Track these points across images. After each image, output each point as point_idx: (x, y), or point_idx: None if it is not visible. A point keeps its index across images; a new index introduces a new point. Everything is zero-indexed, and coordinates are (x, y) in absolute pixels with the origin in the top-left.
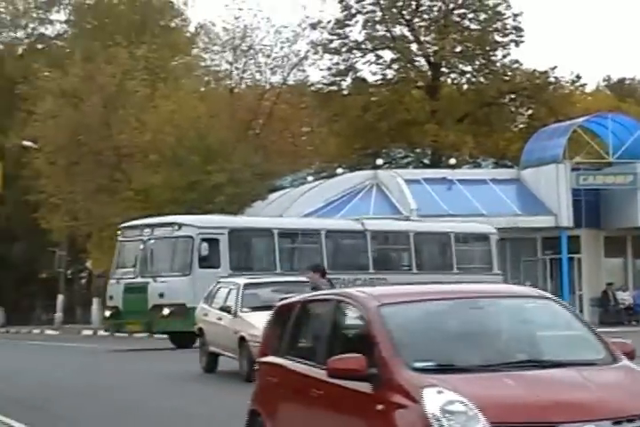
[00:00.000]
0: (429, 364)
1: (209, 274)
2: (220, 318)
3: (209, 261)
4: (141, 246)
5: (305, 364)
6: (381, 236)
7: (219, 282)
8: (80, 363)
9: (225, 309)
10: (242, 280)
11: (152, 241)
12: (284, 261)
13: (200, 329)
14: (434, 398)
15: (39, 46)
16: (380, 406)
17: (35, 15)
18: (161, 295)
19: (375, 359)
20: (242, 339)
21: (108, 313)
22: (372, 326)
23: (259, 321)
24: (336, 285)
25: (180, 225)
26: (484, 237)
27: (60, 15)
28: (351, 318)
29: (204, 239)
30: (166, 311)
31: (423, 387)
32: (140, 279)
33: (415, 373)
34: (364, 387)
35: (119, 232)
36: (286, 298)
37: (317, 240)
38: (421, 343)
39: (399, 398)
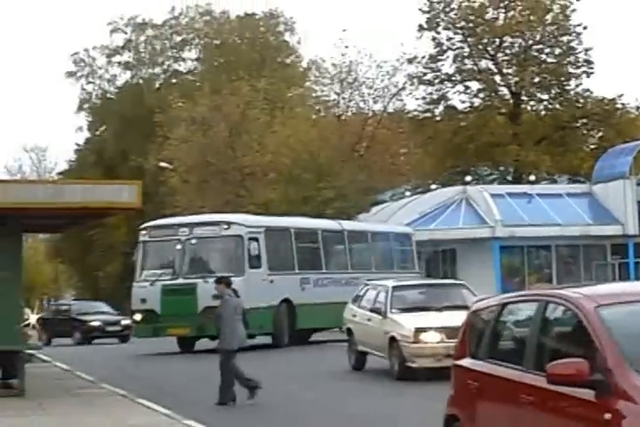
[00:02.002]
0: None
1: (256, 274)
2: (369, 319)
3: (255, 261)
4: (179, 246)
5: (511, 368)
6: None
7: (366, 284)
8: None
9: (375, 310)
10: (390, 283)
11: (194, 240)
12: (302, 261)
13: (348, 329)
14: None
15: (173, 81)
16: (607, 415)
17: (170, 54)
18: (216, 297)
19: (598, 365)
20: (392, 339)
21: (138, 317)
22: (591, 329)
23: (408, 322)
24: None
25: (229, 224)
26: (408, 237)
27: (191, 54)
28: (563, 319)
29: (250, 238)
30: None
31: None
32: (182, 280)
33: None
34: (586, 394)
35: (144, 232)
36: (482, 299)
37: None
38: None
39: (630, 406)
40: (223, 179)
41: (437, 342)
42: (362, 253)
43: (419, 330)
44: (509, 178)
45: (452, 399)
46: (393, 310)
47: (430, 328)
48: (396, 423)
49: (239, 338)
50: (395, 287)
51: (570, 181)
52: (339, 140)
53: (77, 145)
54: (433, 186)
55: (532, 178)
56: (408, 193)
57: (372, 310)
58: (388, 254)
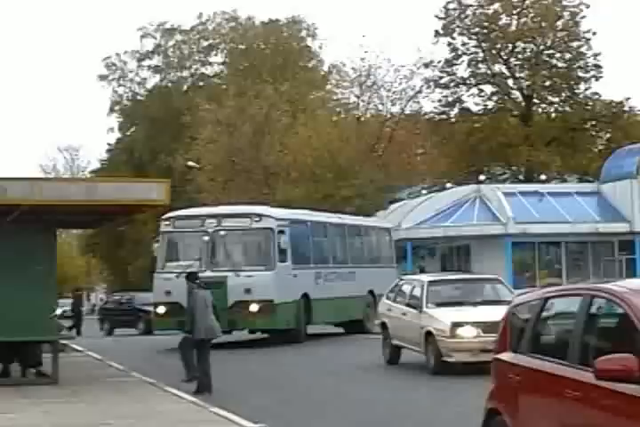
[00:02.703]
0: None
1: (284, 268)
2: (404, 314)
3: (282, 255)
4: (206, 238)
5: (554, 362)
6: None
7: (401, 279)
8: (263, 354)
9: (411, 304)
10: (426, 277)
11: (223, 232)
12: (316, 255)
13: (383, 323)
14: None
15: (200, 84)
16: None
17: (197, 58)
18: (247, 291)
19: None
20: (428, 333)
21: (162, 310)
22: (639, 324)
23: (445, 317)
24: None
25: (261, 216)
26: (388, 232)
27: (217, 58)
28: (610, 314)
29: (279, 231)
30: (255, 308)
31: None
32: (210, 273)
33: None
34: (635, 390)
35: (166, 222)
36: (523, 294)
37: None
38: None
39: None
40: (248, 177)
41: (474, 337)
42: (358, 248)
43: (455, 325)
44: (521, 177)
45: (492, 393)
46: (429, 305)
47: (467, 323)
48: (436, 416)
49: (206, 329)
50: (430, 282)
51: (579, 181)
52: (358, 141)
53: (109, 145)
54: (448, 185)
55: (543, 177)
56: (424, 191)
57: (407, 305)
58: (377, 249)
